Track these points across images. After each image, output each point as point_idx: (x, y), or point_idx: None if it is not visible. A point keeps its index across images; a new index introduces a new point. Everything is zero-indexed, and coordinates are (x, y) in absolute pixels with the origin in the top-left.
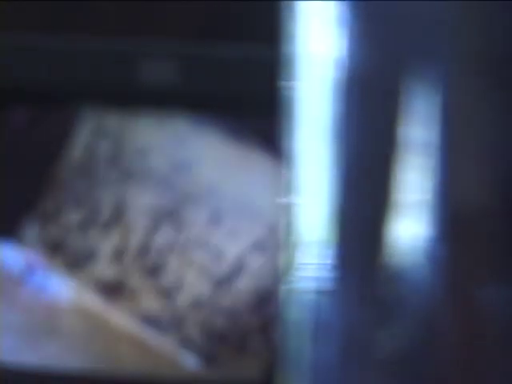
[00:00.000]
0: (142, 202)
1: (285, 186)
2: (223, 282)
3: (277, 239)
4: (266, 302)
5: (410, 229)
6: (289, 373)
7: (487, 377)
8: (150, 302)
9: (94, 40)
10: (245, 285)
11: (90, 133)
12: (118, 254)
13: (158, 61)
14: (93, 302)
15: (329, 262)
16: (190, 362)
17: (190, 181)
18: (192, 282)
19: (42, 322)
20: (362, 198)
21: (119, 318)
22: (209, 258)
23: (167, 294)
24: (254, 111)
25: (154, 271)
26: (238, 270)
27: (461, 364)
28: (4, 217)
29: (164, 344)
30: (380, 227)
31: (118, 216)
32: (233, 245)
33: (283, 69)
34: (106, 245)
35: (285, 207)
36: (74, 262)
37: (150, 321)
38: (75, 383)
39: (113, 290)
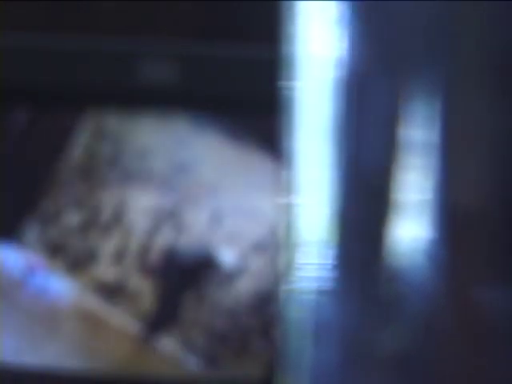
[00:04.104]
0: (142, 202)
1: (285, 186)
2: (224, 282)
3: (277, 239)
4: (267, 303)
5: (409, 229)
6: (289, 373)
7: (487, 377)
8: (150, 303)
9: (94, 40)
10: (245, 285)
11: (90, 133)
12: (119, 256)
13: (158, 61)
14: (93, 303)
15: (329, 262)
16: (190, 362)
17: (191, 181)
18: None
19: (43, 324)
20: (361, 198)
21: (119, 319)
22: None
23: (167, 294)
24: (254, 111)
25: (154, 272)
26: (238, 270)
27: (461, 364)
28: (4, 218)
29: (165, 345)
30: (380, 227)
31: (118, 217)
32: (233, 245)
33: (283, 69)
34: (106, 246)
35: (285, 207)
36: (75, 263)
37: (151, 322)
38: None
39: (113, 292)
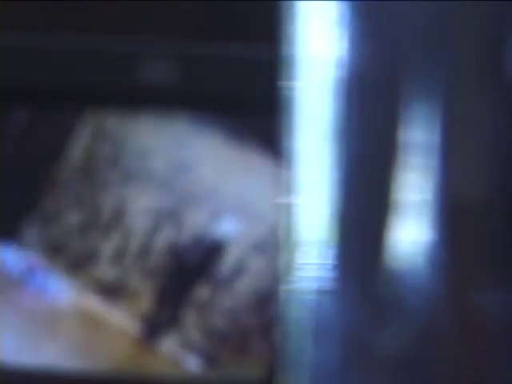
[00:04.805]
0: (142, 203)
1: (285, 186)
2: (224, 282)
3: (277, 239)
4: (267, 303)
5: (409, 229)
6: (289, 373)
7: (487, 377)
8: (150, 303)
9: (94, 40)
10: (245, 285)
11: (90, 134)
12: (119, 256)
13: (158, 61)
14: (93, 303)
15: (329, 262)
16: (190, 362)
17: (190, 181)
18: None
19: (43, 323)
20: (361, 197)
21: (119, 318)
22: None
23: (167, 295)
24: (254, 111)
25: (154, 272)
26: (238, 270)
27: (460, 365)
28: (4, 218)
29: (164, 345)
30: (380, 227)
31: (118, 217)
32: (233, 245)
33: (283, 69)
34: (106, 246)
35: (285, 207)
36: (75, 263)
37: (151, 322)
38: None
39: (113, 292)
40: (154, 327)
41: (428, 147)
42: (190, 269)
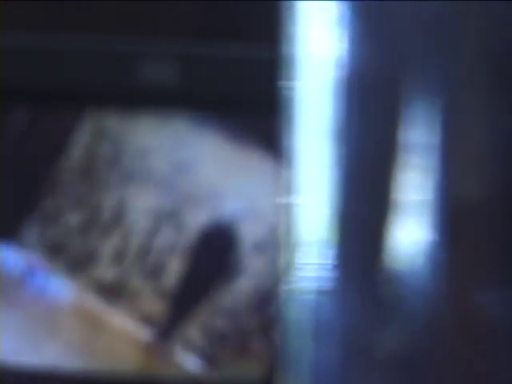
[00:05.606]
0: (142, 203)
1: (285, 186)
2: (224, 282)
3: (277, 239)
4: (267, 303)
5: (409, 229)
6: (289, 373)
7: (487, 377)
8: (150, 304)
9: (94, 40)
10: (245, 285)
11: (90, 133)
12: (119, 256)
13: (158, 61)
14: (93, 303)
15: (329, 262)
16: (190, 362)
17: (190, 181)
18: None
19: (43, 323)
20: (361, 197)
21: (119, 319)
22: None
23: (167, 295)
24: (254, 111)
25: (154, 272)
26: (238, 270)
27: (461, 364)
28: (4, 218)
29: (164, 345)
30: (380, 227)
31: (118, 217)
32: (233, 245)
33: (283, 69)
34: (106, 246)
35: (285, 207)
36: (75, 263)
37: (150, 322)
38: None
39: (113, 292)
40: (154, 327)
41: (428, 147)
42: (189, 269)
